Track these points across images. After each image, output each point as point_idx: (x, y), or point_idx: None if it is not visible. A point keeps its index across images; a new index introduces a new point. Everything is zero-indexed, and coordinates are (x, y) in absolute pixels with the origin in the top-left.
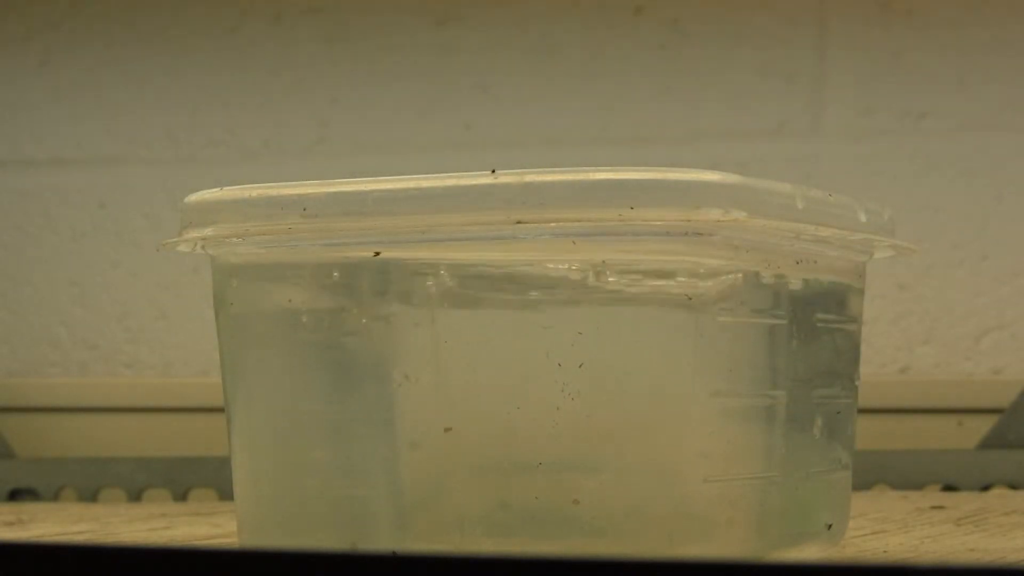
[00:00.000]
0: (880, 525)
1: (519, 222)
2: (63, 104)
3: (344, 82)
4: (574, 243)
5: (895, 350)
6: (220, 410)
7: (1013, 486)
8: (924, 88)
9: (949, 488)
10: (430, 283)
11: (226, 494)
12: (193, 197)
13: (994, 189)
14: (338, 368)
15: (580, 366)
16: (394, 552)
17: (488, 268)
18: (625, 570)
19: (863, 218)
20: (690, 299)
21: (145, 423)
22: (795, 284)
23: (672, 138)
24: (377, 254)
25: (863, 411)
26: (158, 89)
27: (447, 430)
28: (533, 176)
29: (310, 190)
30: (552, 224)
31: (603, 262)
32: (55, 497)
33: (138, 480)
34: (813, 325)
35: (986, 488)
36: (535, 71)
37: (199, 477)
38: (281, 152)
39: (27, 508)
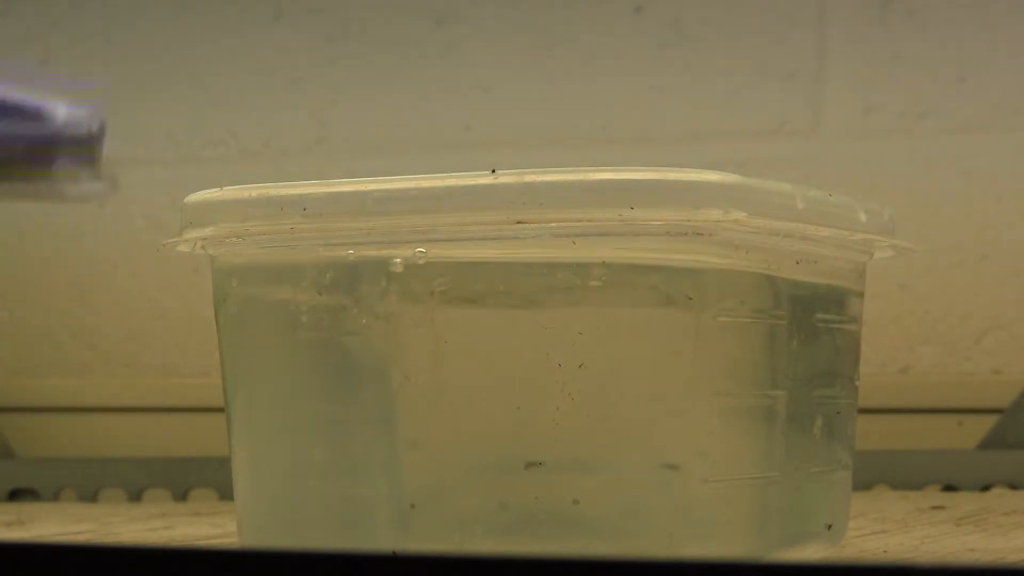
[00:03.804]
0: (880, 525)
1: (519, 222)
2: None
3: (344, 82)
4: (574, 243)
5: (895, 350)
6: (220, 410)
7: (1013, 486)
8: (924, 88)
9: (949, 488)
10: (430, 283)
11: (226, 494)
12: (193, 197)
13: (994, 189)
14: (338, 368)
15: (580, 366)
16: (394, 552)
17: (488, 268)
18: (625, 570)
19: (863, 218)
20: (690, 299)
21: (145, 423)
22: (795, 284)
23: (672, 138)
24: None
25: (863, 411)
26: (158, 89)
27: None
28: (533, 176)
29: (310, 190)
30: (552, 224)
31: (603, 262)
32: (55, 497)
33: (138, 480)
34: (813, 325)
35: (986, 488)
36: (535, 71)
37: (199, 477)
38: (281, 152)
39: (27, 508)
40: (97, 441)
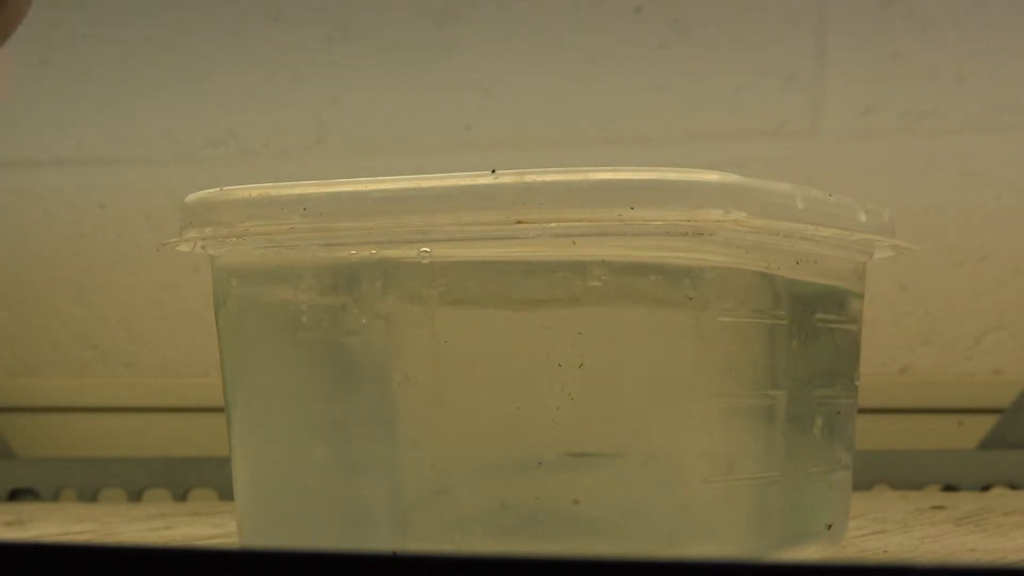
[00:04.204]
0: (880, 525)
1: (519, 222)
2: (63, 104)
3: (344, 82)
4: (574, 243)
5: (895, 350)
6: (220, 410)
7: (1013, 486)
8: (924, 88)
9: (949, 488)
10: (430, 283)
11: (226, 494)
12: (193, 197)
13: (994, 189)
14: (338, 368)
15: (580, 366)
16: (394, 552)
17: (488, 268)
18: (625, 570)
19: (863, 218)
20: (690, 299)
21: (145, 423)
22: (795, 284)
23: (672, 138)
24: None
25: (863, 411)
26: (158, 89)
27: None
28: (533, 176)
29: (310, 190)
30: (552, 224)
31: (603, 262)
32: (55, 497)
33: (138, 480)
34: (813, 325)
35: (986, 488)
36: (535, 71)
37: (199, 477)
38: (281, 152)
39: (27, 508)
40: (97, 441)
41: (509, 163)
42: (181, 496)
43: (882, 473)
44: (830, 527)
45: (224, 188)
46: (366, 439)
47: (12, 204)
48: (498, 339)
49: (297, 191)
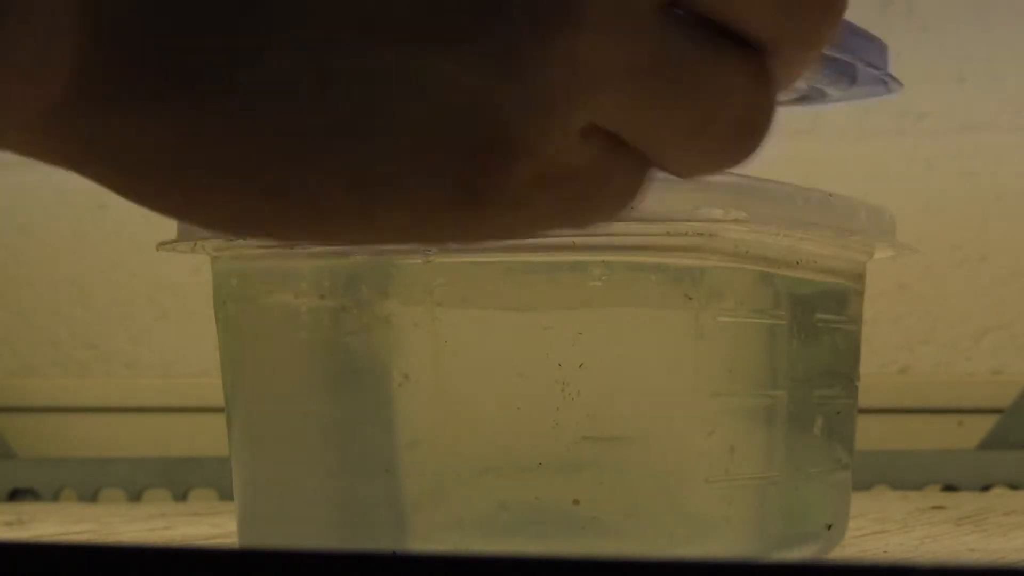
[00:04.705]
0: (880, 525)
1: None
2: None
3: None
4: (574, 243)
5: (895, 350)
6: (220, 410)
7: (1013, 486)
8: (924, 88)
9: (949, 488)
10: (430, 283)
11: (226, 494)
12: None
13: (994, 189)
14: (338, 368)
15: (580, 366)
16: (394, 552)
17: (488, 268)
18: (625, 570)
19: (863, 218)
20: (690, 299)
21: (145, 423)
22: (795, 284)
23: None
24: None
25: (863, 411)
26: None
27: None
28: None
29: None
30: None
31: (603, 262)
32: (55, 497)
33: (138, 480)
34: (813, 325)
35: (986, 488)
36: None
37: (199, 477)
38: None
39: (27, 508)
40: (97, 441)
41: None
42: (181, 496)
43: (882, 473)
44: (830, 527)
45: None
46: (366, 439)
47: (12, 204)
48: (498, 339)
49: None
